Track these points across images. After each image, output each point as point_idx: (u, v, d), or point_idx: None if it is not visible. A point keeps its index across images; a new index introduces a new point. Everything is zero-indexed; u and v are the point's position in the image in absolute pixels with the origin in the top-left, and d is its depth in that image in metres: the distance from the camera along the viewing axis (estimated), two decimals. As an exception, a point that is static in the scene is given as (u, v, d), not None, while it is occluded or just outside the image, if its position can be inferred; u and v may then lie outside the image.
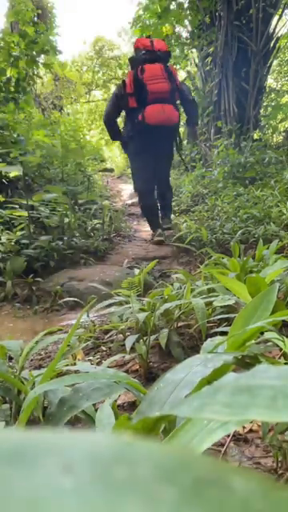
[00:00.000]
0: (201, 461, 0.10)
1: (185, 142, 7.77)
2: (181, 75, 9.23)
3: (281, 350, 0.89)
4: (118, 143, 4.57)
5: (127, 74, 3.35)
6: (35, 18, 5.52)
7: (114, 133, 3.47)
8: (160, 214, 3.66)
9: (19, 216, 3.02)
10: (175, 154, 3.74)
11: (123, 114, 3.49)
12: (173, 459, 0.10)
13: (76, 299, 2.20)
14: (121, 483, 0.09)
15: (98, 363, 1.37)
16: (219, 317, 1.33)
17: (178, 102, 3.43)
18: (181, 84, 3.40)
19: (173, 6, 6.52)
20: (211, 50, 6.09)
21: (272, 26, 5.96)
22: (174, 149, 3.60)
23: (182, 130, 4.81)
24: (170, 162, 3.66)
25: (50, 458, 0.10)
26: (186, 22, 6.87)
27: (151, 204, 3.56)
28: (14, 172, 3.23)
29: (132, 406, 1.07)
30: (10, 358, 1.34)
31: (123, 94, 3.24)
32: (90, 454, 0.10)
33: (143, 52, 3.28)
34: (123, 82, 3.28)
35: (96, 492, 0.09)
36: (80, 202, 4.14)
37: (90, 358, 1.45)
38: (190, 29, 6.90)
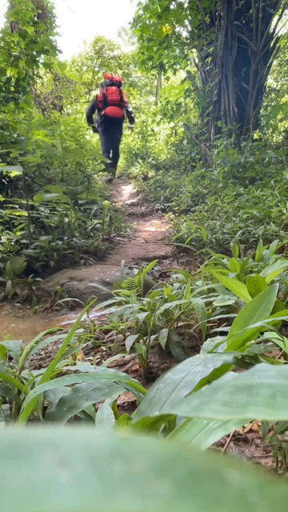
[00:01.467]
0: (196, 454, 0.10)
1: (184, 142, 7.78)
2: (180, 75, 9.23)
3: (281, 349, 0.90)
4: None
5: (100, 91, 7.05)
6: (35, 18, 5.52)
7: (89, 120, 7.11)
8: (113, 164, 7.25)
9: (19, 216, 3.02)
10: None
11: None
12: (168, 453, 0.10)
13: (76, 299, 2.20)
14: (117, 477, 0.09)
15: (98, 363, 1.37)
16: (219, 317, 1.33)
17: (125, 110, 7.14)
18: (125, 100, 6.98)
19: (173, 6, 6.51)
20: (211, 50, 6.08)
21: (272, 26, 5.96)
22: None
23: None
24: (120, 136, 7.26)
25: (46, 452, 0.10)
26: (186, 22, 6.86)
27: (108, 156, 6.78)
28: (14, 172, 3.23)
29: (132, 405, 1.07)
30: (10, 358, 1.35)
31: (96, 100, 6.87)
32: (87, 449, 0.10)
33: (108, 80, 6.94)
34: (97, 95, 6.99)
35: (93, 485, 0.09)
36: (80, 202, 4.14)
37: (90, 357, 1.45)
38: (190, 29, 6.89)
